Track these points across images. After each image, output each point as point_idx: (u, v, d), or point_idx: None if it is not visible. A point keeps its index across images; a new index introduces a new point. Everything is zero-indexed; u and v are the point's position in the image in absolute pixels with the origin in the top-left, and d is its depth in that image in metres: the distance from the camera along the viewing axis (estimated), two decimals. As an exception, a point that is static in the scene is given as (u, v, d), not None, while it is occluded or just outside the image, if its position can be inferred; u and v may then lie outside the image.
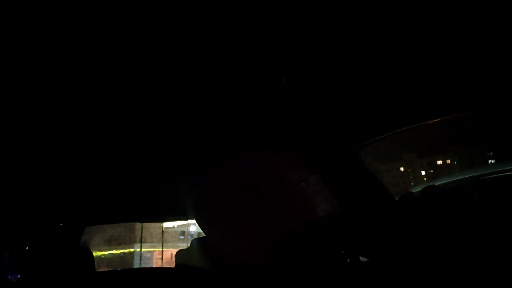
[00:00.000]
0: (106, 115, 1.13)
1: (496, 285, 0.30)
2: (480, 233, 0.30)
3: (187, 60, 0.87)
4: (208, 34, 0.77)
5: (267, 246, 0.47)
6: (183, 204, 1.78)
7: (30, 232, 1.69)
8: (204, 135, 0.58)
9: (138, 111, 1.12)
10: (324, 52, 0.84)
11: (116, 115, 1.14)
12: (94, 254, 1.70)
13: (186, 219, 3.01)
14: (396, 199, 0.37)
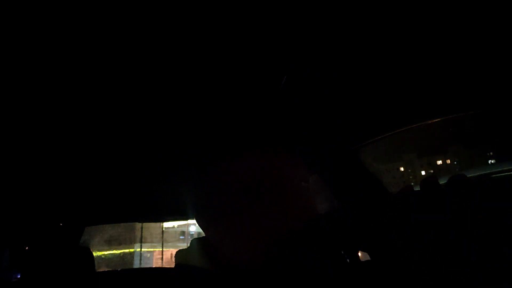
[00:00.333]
0: (106, 115, 1.13)
1: (496, 285, 0.30)
2: (480, 233, 0.30)
3: (187, 60, 0.87)
4: (208, 34, 0.77)
5: (267, 246, 0.47)
6: (183, 204, 1.78)
7: (30, 232, 1.69)
8: (204, 135, 0.58)
9: (138, 111, 1.12)
10: (324, 52, 0.84)
11: (116, 115, 1.14)
12: (94, 254, 1.70)
13: (186, 219, 3.01)
14: (396, 193, 0.36)
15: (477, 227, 0.30)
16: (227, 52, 0.84)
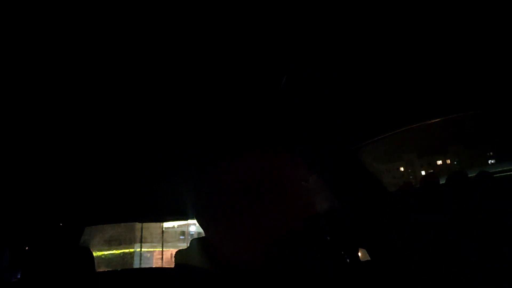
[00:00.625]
0: (106, 115, 1.13)
1: (496, 285, 0.30)
2: (480, 233, 0.30)
3: (187, 60, 0.87)
4: (208, 34, 0.77)
5: (267, 246, 0.47)
6: (183, 204, 1.78)
7: (30, 232, 1.69)
8: (204, 135, 0.58)
9: (138, 111, 1.12)
10: (324, 52, 0.84)
11: (116, 115, 1.14)
12: (94, 254, 1.69)
13: (186, 219, 3.01)
14: (396, 191, 0.36)
15: (477, 227, 0.30)
16: (227, 52, 0.84)
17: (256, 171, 0.49)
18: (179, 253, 0.58)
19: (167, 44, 0.80)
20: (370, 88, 1.00)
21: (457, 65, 0.87)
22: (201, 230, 0.55)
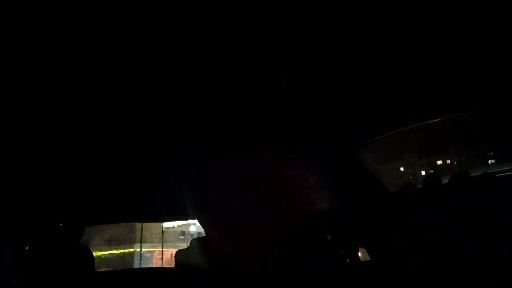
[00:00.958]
0: (106, 115, 1.13)
1: (496, 285, 0.30)
2: (480, 233, 0.30)
3: (187, 60, 0.87)
4: (208, 34, 0.77)
5: (267, 246, 0.47)
6: (183, 204, 1.78)
7: (30, 232, 1.69)
8: (204, 135, 0.58)
9: (138, 111, 1.12)
10: (324, 52, 0.84)
11: (116, 115, 1.14)
12: (94, 254, 1.70)
13: (186, 219, 3.01)
14: (397, 191, 0.36)
15: (477, 227, 0.30)
16: (227, 52, 0.84)
17: (256, 171, 0.49)
18: (179, 253, 0.58)
19: (167, 44, 0.80)
20: (370, 88, 1.00)
21: (457, 65, 0.87)
22: (201, 230, 0.55)
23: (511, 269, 0.29)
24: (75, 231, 2.02)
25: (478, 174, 0.32)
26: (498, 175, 1.19)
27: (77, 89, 0.97)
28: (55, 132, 1.20)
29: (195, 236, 0.90)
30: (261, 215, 0.48)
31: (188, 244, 0.60)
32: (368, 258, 1.06)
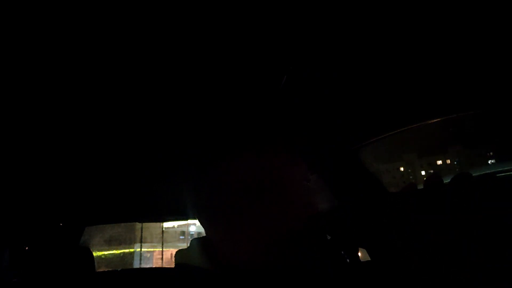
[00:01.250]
0: (106, 115, 1.13)
1: (496, 285, 0.30)
2: (480, 233, 0.30)
3: (188, 60, 0.87)
4: (208, 34, 0.77)
5: (267, 246, 0.47)
6: (183, 204, 1.78)
7: (30, 232, 1.69)
8: (204, 135, 0.58)
9: (138, 111, 1.12)
10: (324, 52, 0.84)
11: (116, 115, 1.14)
12: (94, 254, 1.70)
13: (186, 219, 3.01)
14: (398, 192, 0.36)
15: (477, 227, 0.30)
16: (227, 52, 0.84)
17: (256, 171, 0.49)
18: (179, 253, 0.58)
19: (168, 44, 0.80)
20: (370, 88, 1.00)
21: (457, 65, 0.87)
22: (201, 230, 0.56)
23: (511, 269, 0.29)
24: (75, 231, 2.02)
25: (478, 174, 0.32)
26: (499, 175, 1.19)
27: (77, 89, 0.97)
28: (55, 132, 1.20)
29: (195, 236, 0.90)
30: (261, 215, 0.48)
31: (188, 244, 0.60)
32: (368, 258, 1.06)
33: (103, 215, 2.09)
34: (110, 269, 2.07)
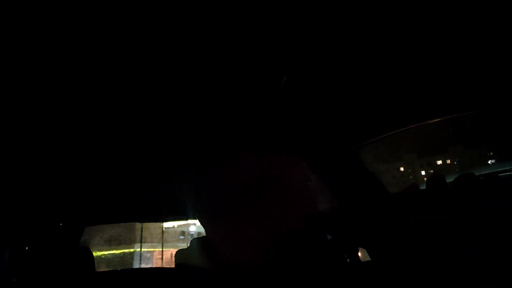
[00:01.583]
0: (106, 115, 1.13)
1: (496, 285, 0.30)
2: (480, 233, 0.30)
3: (187, 60, 0.87)
4: (208, 34, 0.77)
5: (267, 246, 0.47)
6: (183, 204, 1.78)
7: (30, 232, 1.69)
8: (204, 135, 0.58)
9: (138, 111, 1.12)
10: (324, 52, 0.84)
11: (116, 115, 1.14)
12: (94, 254, 1.70)
13: (186, 219, 3.01)
14: (399, 192, 0.37)
15: (477, 227, 0.30)
16: (227, 52, 0.84)
17: (256, 171, 0.49)
18: (179, 253, 0.58)
19: (167, 44, 0.80)
20: (370, 88, 1.00)
21: (457, 65, 0.87)
22: (201, 230, 0.56)
23: (511, 269, 0.29)
24: (75, 231, 2.02)
25: (479, 174, 0.32)
26: (500, 174, 1.19)
27: (78, 90, 0.97)
28: (55, 132, 1.20)
29: (195, 236, 0.90)
30: (261, 215, 0.48)
31: (188, 244, 0.60)
32: (368, 258, 1.06)
33: (103, 215, 2.09)
34: (110, 269, 2.07)
